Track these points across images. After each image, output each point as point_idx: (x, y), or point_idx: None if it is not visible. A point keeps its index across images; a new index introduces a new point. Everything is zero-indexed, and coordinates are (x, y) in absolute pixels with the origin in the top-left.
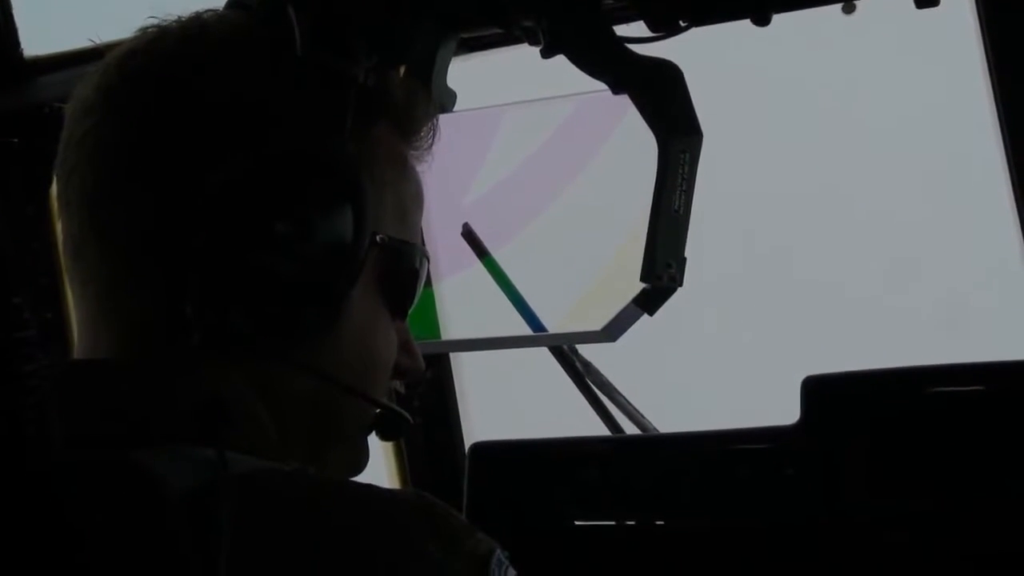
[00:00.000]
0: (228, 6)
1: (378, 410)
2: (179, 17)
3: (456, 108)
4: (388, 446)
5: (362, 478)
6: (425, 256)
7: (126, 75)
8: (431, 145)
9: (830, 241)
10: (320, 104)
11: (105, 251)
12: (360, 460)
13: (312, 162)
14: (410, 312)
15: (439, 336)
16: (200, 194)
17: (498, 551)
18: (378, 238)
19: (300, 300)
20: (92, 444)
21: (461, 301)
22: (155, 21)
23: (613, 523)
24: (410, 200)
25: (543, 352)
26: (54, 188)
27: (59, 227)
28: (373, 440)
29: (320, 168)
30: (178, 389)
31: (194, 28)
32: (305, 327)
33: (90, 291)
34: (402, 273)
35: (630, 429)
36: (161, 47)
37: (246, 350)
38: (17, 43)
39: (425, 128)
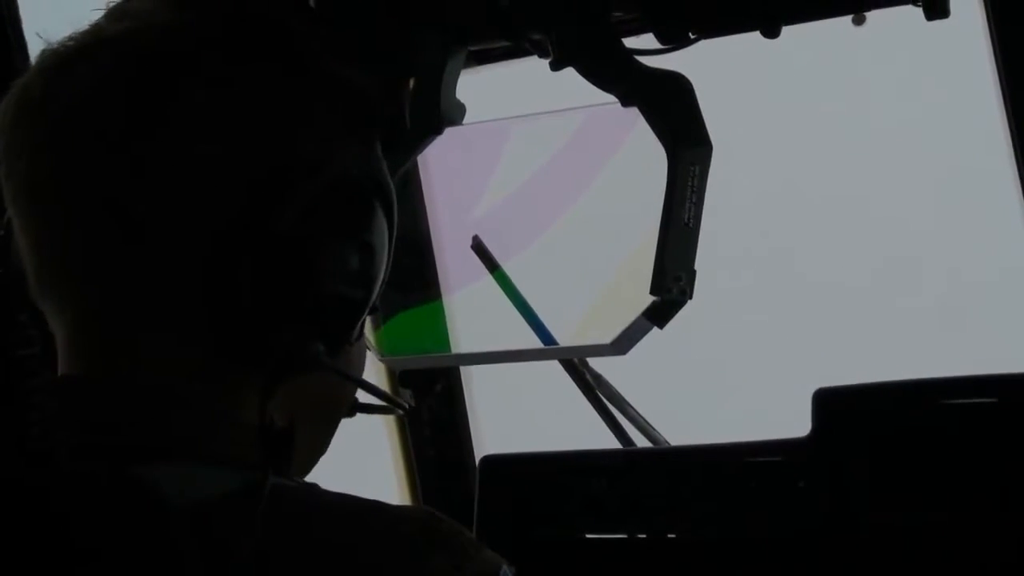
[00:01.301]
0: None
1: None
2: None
3: (465, 121)
4: (399, 458)
5: (372, 491)
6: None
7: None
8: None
9: (840, 246)
10: (350, 121)
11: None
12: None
13: (361, 182)
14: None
15: (449, 349)
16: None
17: (505, 568)
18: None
19: (350, 317)
20: (97, 458)
21: (471, 314)
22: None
23: (624, 536)
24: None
25: (553, 365)
26: None
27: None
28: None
29: (366, 188)
30: (185, 409)
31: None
32: (349, 341)
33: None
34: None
35: (641, 442)
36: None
37: (281, 367)
38: (26, 57)
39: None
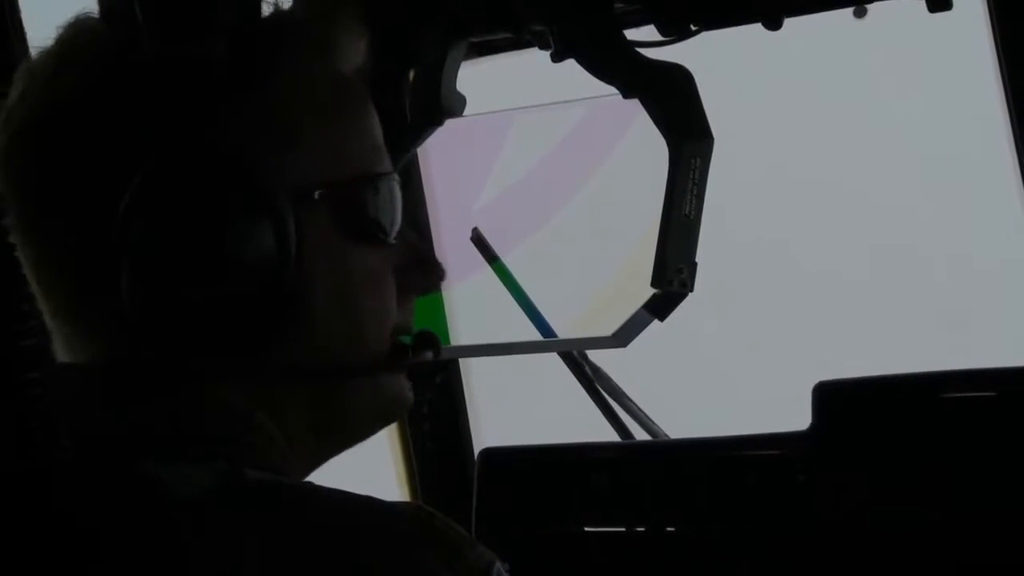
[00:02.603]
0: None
1: (401, 338)
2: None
3: (466, 113)
4: (398, 451)
5: (371, 484)
6: (382, 179)
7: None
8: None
9: (840, 238)
10: (180, 91)
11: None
12: (397, 397)
13: (193, 162)
14: (394, 234)
15: (449, 342)
16: (112, 224)
17: (498, 564)
18: (316, 194)
19: (239, 313)
20: (100, 451)
21: (471, 307)
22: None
23: (623, 529)
24: (350, 127)
25: (553, 357)
26: None
27: None
28: (380, 447)
29: (204, 164)
30: (180, 401)
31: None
32: (259, 334)
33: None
34: (359, 212)
35: (640, 435)
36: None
37: (221, 370)
38: (25, 47)
39: (345, 36)
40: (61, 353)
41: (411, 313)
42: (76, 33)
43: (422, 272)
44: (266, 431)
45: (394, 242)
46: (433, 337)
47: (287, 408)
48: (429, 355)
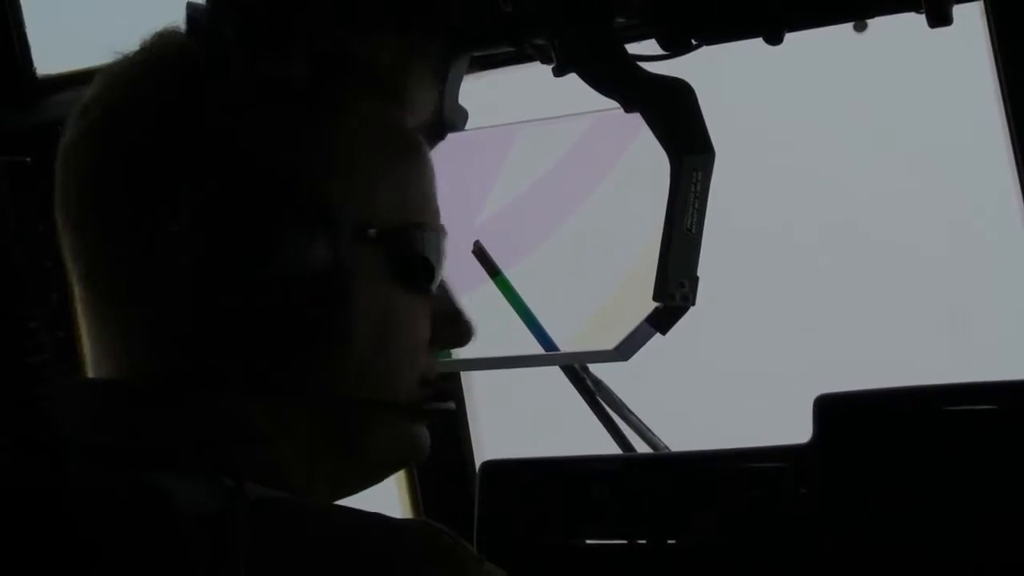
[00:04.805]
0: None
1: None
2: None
3: (468, 126)
4: None
5: (372, 496)
6: (433, 231)
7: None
8: (437, 113)
9: (839, 248)
10: (259, 112)
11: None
12: (416, 441)
13: (264, 183)
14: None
15: (450, 355)
16: (174, 232)
17: None
18: (371, 232)
19: (286, 334)
20: (112, 463)
21: (472, 320)
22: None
23: (625, 542)
24: (412, 175)
25: (554, 370)
26: None
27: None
28: None
29: (275, 186)
30: (193, 417)
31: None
32: (301, 356)
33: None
34: (410, 257)
35: (641, 448)
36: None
37: (252, 385)
38: (30, 61)
39: (419, 89)
40: (93, 370)
41: (436, 364)
42: (162, 44)
43: (454, 325)
44: (284, 454)
45: (433, 292)
46: (451, 390)
47: (307, 435)
48: (452, 405)
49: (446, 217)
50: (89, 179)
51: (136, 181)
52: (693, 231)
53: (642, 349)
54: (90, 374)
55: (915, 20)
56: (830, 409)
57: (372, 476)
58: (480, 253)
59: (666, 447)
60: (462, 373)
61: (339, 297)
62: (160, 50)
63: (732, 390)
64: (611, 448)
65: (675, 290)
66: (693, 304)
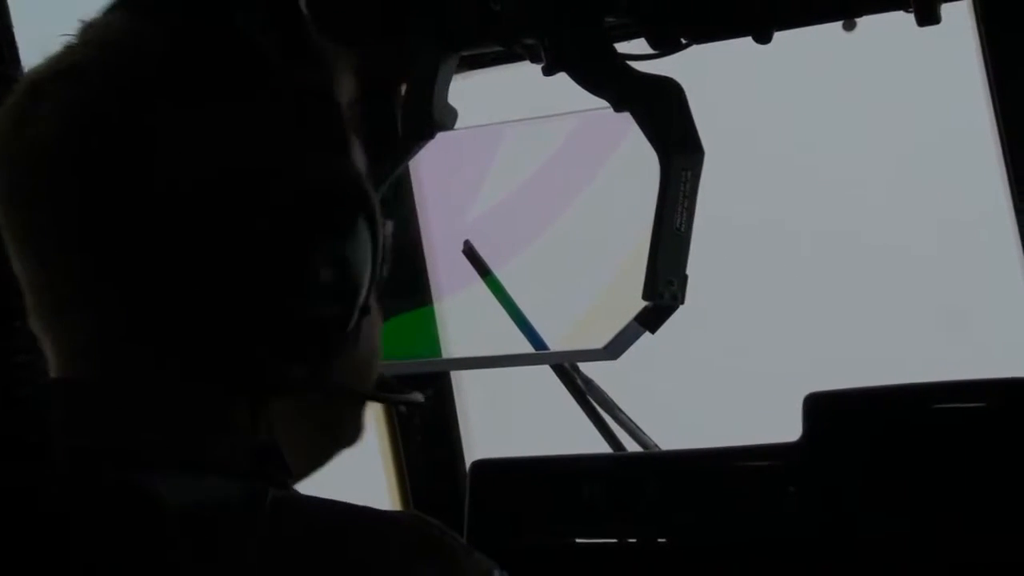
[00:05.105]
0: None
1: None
2: None
3: (457, 126)
4: (389, 463)
5: (362, 495)
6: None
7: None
8: None
9: (830, 247)
10: (315, 124)
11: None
12: (362, 428)
13: (333, 193)
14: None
15: (440, 354)
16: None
17: (496, 572)
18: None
19: (327, 333)
20: (98, 462)
21: (462, 319)
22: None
23: (615, 541)
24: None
25: (544, 369)
26: None
27: None
28: (372, 458)
29: (338, 198)
30: (178, 414)
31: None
32: (325, 353)
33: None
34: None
35: (632, 446)
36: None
37: (269, 383)
38: (17, 61)
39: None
40: (58, 368)
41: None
42: (108, 34)
43: None
44: (268, 446)
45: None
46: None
47: (293, 426)
48: (419, 396)
49: (436, 217)
50: (38, 199)
51: (106, 171)
52: (682, 230)
53: (631, 348)
54: (61, 371)
55: (904, 19)
56: (819, 407)
57: (325, 461)
58: (470, 252)
59: (656, 446)
60: (451, 372)
61: (341, 292)
62: (108, 45)
63: (722, 389)
64: (601, 447)
65: (664, 289)
66: (682, 303)
